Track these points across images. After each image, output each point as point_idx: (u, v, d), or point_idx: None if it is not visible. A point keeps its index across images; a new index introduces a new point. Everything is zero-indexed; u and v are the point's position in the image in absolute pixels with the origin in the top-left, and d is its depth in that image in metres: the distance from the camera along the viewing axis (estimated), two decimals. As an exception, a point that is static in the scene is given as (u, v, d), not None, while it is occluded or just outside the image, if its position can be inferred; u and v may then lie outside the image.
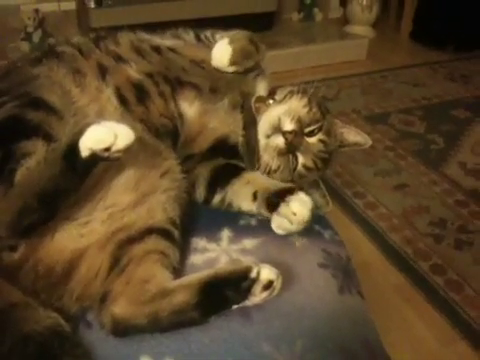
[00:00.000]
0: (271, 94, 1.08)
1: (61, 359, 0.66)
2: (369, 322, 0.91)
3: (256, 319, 0.79)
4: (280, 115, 1.00)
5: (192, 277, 0.78)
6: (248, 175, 0.98)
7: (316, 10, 3.84)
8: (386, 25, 4.06)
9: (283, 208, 0.88)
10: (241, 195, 0.95)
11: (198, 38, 1.10)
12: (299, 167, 1.02)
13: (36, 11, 2.85)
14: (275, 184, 0.96)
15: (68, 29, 2.93)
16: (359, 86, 3.22)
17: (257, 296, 0.74)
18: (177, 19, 2.75)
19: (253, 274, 0.73)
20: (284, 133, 0.99)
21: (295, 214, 0.87)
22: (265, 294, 0.73)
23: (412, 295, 1.78)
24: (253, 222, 0.97)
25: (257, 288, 0.73)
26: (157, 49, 1.03)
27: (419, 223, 2.10)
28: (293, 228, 0.89)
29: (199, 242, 0.92)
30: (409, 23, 3.89)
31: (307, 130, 1.01)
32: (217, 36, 1.09)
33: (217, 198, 0.97)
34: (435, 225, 2.09)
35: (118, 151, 0.70)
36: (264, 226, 0.95)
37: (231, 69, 1.01)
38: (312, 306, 0.84)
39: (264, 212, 0.93)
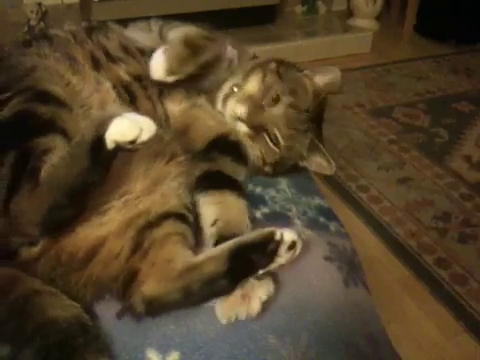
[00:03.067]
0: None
1: (83, 350, 0.67)
2: (374, 315, 0.91)
3: (261, 312, 0.78)
4: (234, 104, 1.00)
5: (218, 248, 0.81)
6: (228, 196, 0.94)
7: (319, 3, 3.81)
8: (390, 18, 4.04)
9: (240, 303, 0.76)
10: (207, 212, 0.92)
11: (161, 33, 1.05)
12: (281, 141, 0.99)
13: (39, 4, 2.84)
14: (241, 225, 0.89)
15: (71, 22, 2.91)
16: (363, 79, 3.21)
17: (282, 257, 0.76)
18: (179, 12, 2.75)
19: (277, 236, 0.76)
20: (241, 119, 0.99)
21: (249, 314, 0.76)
22: (289, 254, 0.77)
23: (416, 288, 1.79)
24: (258, 215, 0.97)
25: (283, 249, 0.76)
26: (142, 51, 1.01)
27: (423, 217, 2.09)
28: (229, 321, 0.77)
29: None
30: (413, 16, 3.86)
31: (264, 102, 0.99)
32: (170, 34, 1.02)
33: (194, 199, 0.93)
34: (439, 219, 2.09)
35: (142, 143, 0.70)
36: (269, 219, 0.95)
37: (170, 79, 0.93)
38: (317, 299, 0.84)
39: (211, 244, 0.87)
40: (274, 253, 0.76)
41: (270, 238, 0.76)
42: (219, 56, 1.04)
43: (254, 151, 1.01)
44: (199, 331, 0.75)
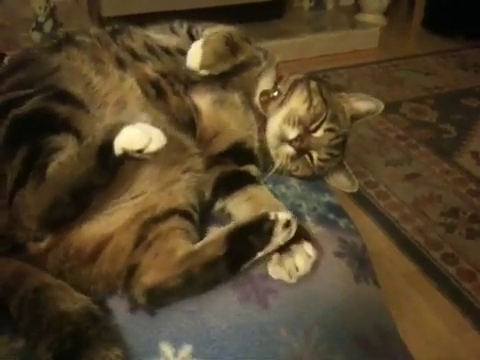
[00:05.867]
0: (275, 85, 1.07)
1: (95, 341, 0.68)
2: (385, 311, 0.91)
3: (273, 306, 0.80)
4: (281, 124, 1.01)
5: (216, 232, 0.82)
6: (251, 190, 0.97)
7: (327, -2, 3.81)
8: (398, 13, 4.02)
9: (286, 259, 0.81)
10: (240, 211, 0.94)
11: (190, 33, 1.08)
12: (315, 162, 1.03)
13: (47, 0, 2.85)
14: (275, 207, 0.91)
15: (79, 18, 2.92)
16: (370, 75, 3.20)
17: (278, 236, 0.77)
18: (188, 8, 2.76)
19: (272, 216, 0.78)
20: (290, 142, 1.01)
21: (298, 269, 0.81)
22: (285, 233, 0.78)
23: (424, 284, 1.79)
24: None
25: (278, 228, 0.77)
26: (166, 50, 1.03)
27: (431, 212, 2.09)
28: (290, 281, 0.82)
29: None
30: (421, 11, 3.85)
31: (312, 127, 1.02)
32: (206, 32, 1.05)
33: (218, 206, 0.97)
34: (447, 214, 2.09)
35: (149, 153, 0.71)
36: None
37: (203, 73, 0.94)
38: (328, 294, 0.85)
39: None
40: (270, 232, 0.77)
41: (265, 218, 0.78)
42: (254, 56, 1.06)
43: (289, 166, 1.04)
44: (212, 325, 0.77)
